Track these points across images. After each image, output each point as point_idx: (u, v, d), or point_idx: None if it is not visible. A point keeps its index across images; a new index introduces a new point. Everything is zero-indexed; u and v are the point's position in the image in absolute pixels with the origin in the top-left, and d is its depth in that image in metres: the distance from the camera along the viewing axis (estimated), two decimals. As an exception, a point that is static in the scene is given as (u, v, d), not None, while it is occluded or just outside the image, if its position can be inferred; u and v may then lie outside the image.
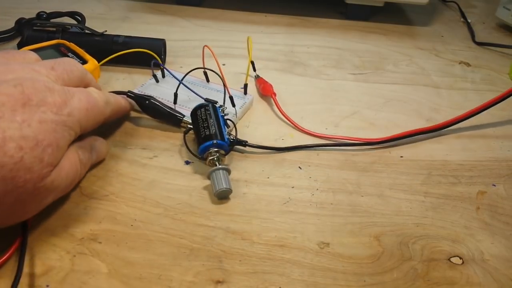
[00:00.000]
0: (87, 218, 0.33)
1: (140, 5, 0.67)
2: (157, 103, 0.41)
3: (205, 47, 0.47)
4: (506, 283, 0.31)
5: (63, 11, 0.58)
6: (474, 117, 0.44)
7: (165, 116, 0.41)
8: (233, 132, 0.41)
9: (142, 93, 0.42)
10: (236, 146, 0.40)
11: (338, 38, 0.62)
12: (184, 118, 0.41)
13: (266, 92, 0.48)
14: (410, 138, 0.43)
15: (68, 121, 0.29)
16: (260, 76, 0.50)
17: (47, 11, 0.56)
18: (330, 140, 0.42)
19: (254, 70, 0.50)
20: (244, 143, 0.40)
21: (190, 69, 0.43)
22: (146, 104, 0.41)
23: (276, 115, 0.45)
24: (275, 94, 0.47)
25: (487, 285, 0.31)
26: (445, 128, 0.44)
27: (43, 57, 0.44)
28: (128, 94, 0.41)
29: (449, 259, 0.32)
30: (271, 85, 0.48)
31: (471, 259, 0.32)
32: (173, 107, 0.43)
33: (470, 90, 0.53)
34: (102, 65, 0.46)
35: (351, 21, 0.68)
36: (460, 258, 0.32)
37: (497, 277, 0.31)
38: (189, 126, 0.40)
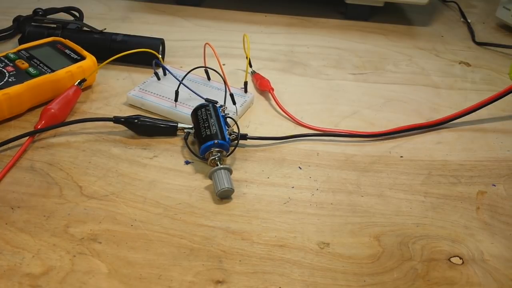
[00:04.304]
0: (87, 218, 0.33)
1: (140, 5, 0.67)
2: (147, 119, 0.40)
3: (206, 45, 0.47)
4: (506, 283, 0.31)
5: (59, 6, 0.58)
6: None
7: (160, 130, 0.40)
8: (235, 130, 0.41)
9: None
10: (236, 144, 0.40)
11: (338, 38, 0.62)
12: (179, 125, 0.40)
13: (263, 87, 0.48)
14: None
15: None
16: (256, 72, 0.50)
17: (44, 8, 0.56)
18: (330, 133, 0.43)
19: (251, 66, 0.50)
20: (245, 137, 0.40)
21: (190, 69, 0.44)
22: (137, 124, 0.40)
23: (276, 114, 0.45)
24: (273, 89, 0.47)
25: (487, 285, 0.31)
26: (442, 124, 0.44)
27: (40, 54, 0.45)
28: (115, 120, 0.40)
29: (449, 259, 0.32)
30: (268, 80, 0.48)
31: (471, 259, 0.32)
32: (174, 105, 0.43)
33: (470, 90, 0.53)
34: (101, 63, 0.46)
35: (351, 21, 0.68)
36: (460, 258, 0.32)
37: (497, 277, 0.31)
38: (186, 130, 0.40)
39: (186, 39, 0.58)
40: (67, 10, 0.59)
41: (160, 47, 0.51)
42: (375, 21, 0.68)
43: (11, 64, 0.43)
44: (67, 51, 0.46)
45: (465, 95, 0.52)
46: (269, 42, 0.59)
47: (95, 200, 0.34)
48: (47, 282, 0.28)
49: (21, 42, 0.50)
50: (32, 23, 0.52)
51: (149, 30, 0.58)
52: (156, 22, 0.62)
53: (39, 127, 0.39)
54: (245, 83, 0.46)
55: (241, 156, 0.40)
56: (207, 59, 0.48)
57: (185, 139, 0.39)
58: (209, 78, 0.48)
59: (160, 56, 0.48)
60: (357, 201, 0.36)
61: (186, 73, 0.43)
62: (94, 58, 0.46)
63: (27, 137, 0.38)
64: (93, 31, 0.51)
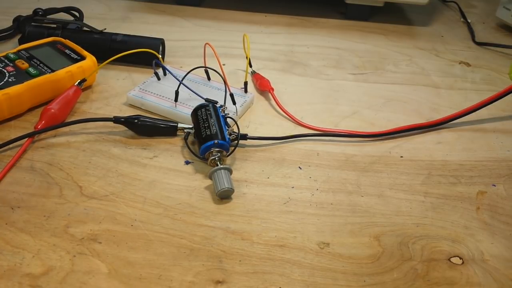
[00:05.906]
0: (87, 218, 0.33)
1: (140, 5, 0.67)
2: (148, 119, 0.40)
3: (207, 45, 0.47)
4: (506, 283, 0.31)
5: (59, 6, 0.58)
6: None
7: (160, 130, 0.40)
8: (235, 130, 0.41)
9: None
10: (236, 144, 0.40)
11: (338, 38, 0.62)
12: (179, 125, 0.40)
13: (263, 87, 0.48)
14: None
15: None
16: (256, 72, 0.50)
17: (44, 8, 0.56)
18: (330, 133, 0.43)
19: (251, 66, 0.50)
20: (245, 137, 0.40)
21: (190, 69, 0.44)
22: (137, 124, 0.40)
23: (276, 114, 0.45)
24: (273, 89, 0.47)
25: (487, 285, 0.31)
26: (442, 124, 0.44)
27: (40, 54, 0.45)
28: (115, 120, 0.40)
29: (449, 259, 0.32)
30: (268, 80, 0.48)
31: (471, 259, 0.32)
32: (174, 105, 0.43)
33: (470, 90, 0.53)
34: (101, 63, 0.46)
35: (351, 21, 0.68)
36: (460, 258, 0.32)
37: (497, 277, 0.31)
38: (186, 130, 0.40)
39: (186, 39, 0.58)
40: (67, 10, 0.59)
41: (160, 47, 0.51)
42: (375, 21, 0.68)
43: (11, 64, 0.43)
44: (67, 51, 0.46)
45: (465, 95, 0.52)
46: (269, 42, 0.59)
47: (95, 200, 0.34)
48: (47, 282, 0.28)
49: (21, 42, 0.50)
50: (32, 23, 0.52)
51: (149, 30, 0.58)
52: (156, 22, 0.62)
53: (39, 127, 0.39)
54: (245, 83, 0.46)
55: (241, 156, 0.40)
56: (207, 59, 0.48)
57: (185, 139, 0.39)
58: (209, 78, 0.48)
59: (160, 56, 0.48)
60: (357, 201, 0.36)
61: (186, 73, 0.43)
62: (94, 58, 0.46)
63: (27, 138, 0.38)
64: (93, 31, 0.51)
